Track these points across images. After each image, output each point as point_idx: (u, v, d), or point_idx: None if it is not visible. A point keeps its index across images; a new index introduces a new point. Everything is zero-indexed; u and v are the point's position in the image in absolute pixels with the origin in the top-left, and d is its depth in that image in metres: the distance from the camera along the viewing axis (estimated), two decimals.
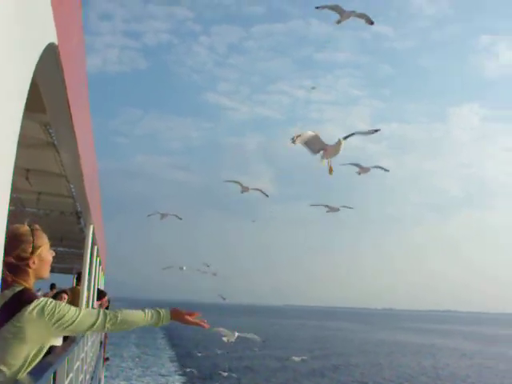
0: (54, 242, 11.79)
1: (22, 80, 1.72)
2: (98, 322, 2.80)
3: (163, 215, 16.81)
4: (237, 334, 18.29)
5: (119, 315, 2.90)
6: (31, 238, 2.88)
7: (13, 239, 2.78)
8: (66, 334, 2.87)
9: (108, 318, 2.85)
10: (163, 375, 34.50)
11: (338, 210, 15.88)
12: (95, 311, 2.88)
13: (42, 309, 2.67)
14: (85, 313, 2.82)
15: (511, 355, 57.16)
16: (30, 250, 2.85)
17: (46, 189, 7.05)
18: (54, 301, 2.76)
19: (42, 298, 2.74)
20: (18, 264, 2.78)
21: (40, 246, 2.91)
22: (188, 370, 36.20)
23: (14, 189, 6.74)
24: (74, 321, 2.72)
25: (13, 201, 7.44)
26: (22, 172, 5.93)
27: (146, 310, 3.02)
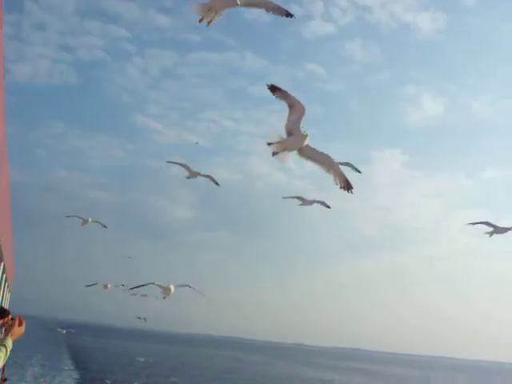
0: None
1: None
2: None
3: (85, 221, 15.68)
4: (173, 286, 16.55)
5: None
6: None
7: None
8: None
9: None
10: None
11: (311, 203, 15.73)
12: None
13: None
14: None
15: None
16: None
17: None
18: None
19: None
20: None
21: None
22: None
23: None
24: None
25: None
26: None
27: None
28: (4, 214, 6.44)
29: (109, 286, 22.08)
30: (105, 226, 15.29)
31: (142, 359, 48.17)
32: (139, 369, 57.17)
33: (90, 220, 14.72)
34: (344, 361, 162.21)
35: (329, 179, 8.08)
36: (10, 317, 12.12)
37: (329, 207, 15.04)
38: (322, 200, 15.24)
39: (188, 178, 13.64)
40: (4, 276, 9.49)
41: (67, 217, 16.17)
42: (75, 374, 46.77)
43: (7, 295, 14.78)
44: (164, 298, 15.47)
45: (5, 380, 16.44)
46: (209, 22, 8.36)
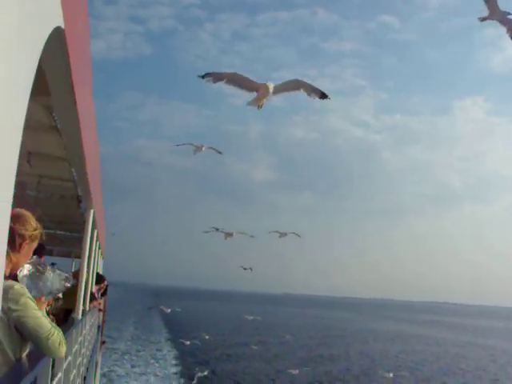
0: (54, 225, 11.83)
1: (29, 63, 1.72)
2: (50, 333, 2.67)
3: (198, 148, 14.64)
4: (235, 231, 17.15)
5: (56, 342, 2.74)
6: (35, 224, 2.88)
7: (21, 218, 2.80)
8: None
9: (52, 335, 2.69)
10: (159, 359, 34.77)
11: (285, 235, 17.35)
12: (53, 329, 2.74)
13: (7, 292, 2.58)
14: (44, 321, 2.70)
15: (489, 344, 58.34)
16: (30, 233, 2.83)
17: (48, 172, 7.03)
18: (24, 292, 2.69)
19: (12, 282, 2.69)
20: (13, 239, 2.72)
21: (38, 236, 2.90)
22: (184, 353, 36.54)
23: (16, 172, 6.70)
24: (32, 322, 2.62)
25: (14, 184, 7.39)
26: (24, 155, 5.92)
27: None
28: (96, 185, 6.83)
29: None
30: (220, 152, 14.66)
31: (250, 317, 49.70)
32: (250, 328, 59.31)
33: (203, 148, 14.17)
34: (431, 315, 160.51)
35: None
36: (106, 282, 12.87)
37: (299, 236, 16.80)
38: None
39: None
40: (97, 243, 10.03)
41: (177, 145, 15.43)
42: (167, 335, 49.19)
43: (101, 262, 15.61)
44: (225, 239, 16.73)
45: (104, 342, 17.53)
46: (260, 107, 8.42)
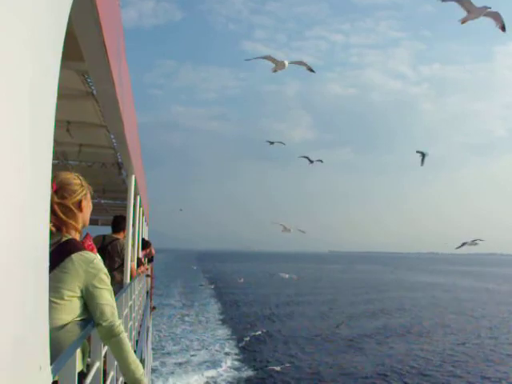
0: (98, 194, 12.01)
1: (58, 27, 1.65)
2: (110, 322, 2.70)
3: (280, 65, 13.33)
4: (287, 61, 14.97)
5: (123, 340, 2.76)
6: (82, 183, 2.93)
7: (66, 184, 2.84)
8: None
9: (117, 330, 2.73)
10: (207, 321, 35.57)
11: (289, 231, 17.19)
12: (116, 317, 2.78)
13: (86, 263, 2.68)
14: (112, 306, 2.76)
15: None
16: (83, 193, 2.89)
17: (87, 140, 7.09)
18: (101, 268, 2.75)
19: (90, 253, 2.76)
20: (71, 208, 2.80)
21: (88, 191, 2.97)
22: (231, 315, 37.32)
23: (55, 142, 6.78)
24: (100, 302, 2.68)
25: (55, 154, 7.50)
26: (63, 124, 5.95)
27: (142, 371, 2.88)
28: (135, 151, 6.84)
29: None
30: (312, 71, 12.83)
31: (286, 275, 50.88)
32: (287, 284, 60.50)
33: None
34: (474, 266, 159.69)
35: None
36: (152, 248, 13.06)
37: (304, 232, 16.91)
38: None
39: (275, 71, 12.16)
40: (141, 209, 10.14)
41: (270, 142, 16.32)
42: (213, 292, 50.68)
43: (145, 228, 15.85)
44: (275, 71, 13.69)
45: (154, 308, 17.94)
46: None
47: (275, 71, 11.79)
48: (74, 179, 2.91)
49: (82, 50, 3.16)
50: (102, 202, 13.79)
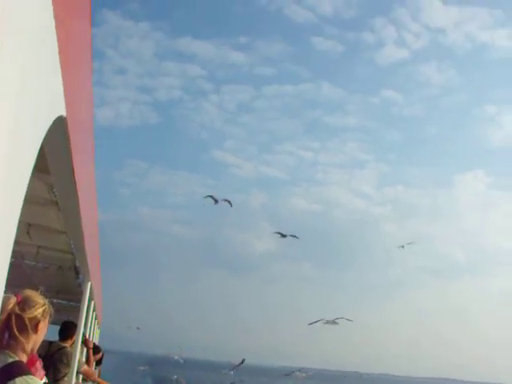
0: (51, 294, 11.67)
1: (31, 149, 1.83)
2: None
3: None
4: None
5: None
6: (46, 305, 2.93)
7: (28, 300, 2.82)
8: None
9: None
10: None
11: (336, 323, 16.26)
12: None
13: None
14: None
15: None
16: (43, 313, 2.87)
17: (46, 243, 7.08)
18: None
19: (34, 379, 2.69)
20: (27, 325, 2.74)
21: (48, 310, 2.94)
22: None
23: (15, 242, 6.74)
24: None
25: (13, 253, 7.42)
26: (24, 226, 5.99)
27: None
28: (94, 255, 6.88)
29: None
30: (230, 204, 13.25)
31: None
32: None
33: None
34: None
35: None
36: (102, 353, 12.64)
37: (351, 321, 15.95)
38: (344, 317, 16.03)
39: (215, 203, 12.96)
40: (94, 313, 9.97)
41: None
42: None
43: (97, 332, 15.40)
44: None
45: None
46: None
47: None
48: (40, 298, 2.92)
49: (50, 167, 3.33)
50: (55, 301, 13.45)
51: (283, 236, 16.25)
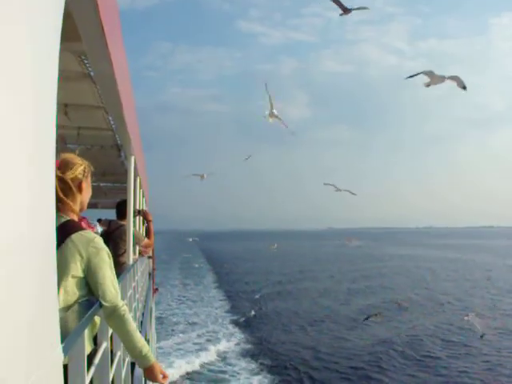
0: (97, 178, 11.95)
1: (56, 8, 1.63)
2: (113, 302, 2.70)
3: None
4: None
5: (127, 320, 2.79)
6: (83, 163, 2.95)
7: (67, 163, 2.86)
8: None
9: (120, 311, 2.75)
10: (207, 300, 35.89)
11: (340, 190, 16.87)
12: (119, 298, 2.78)
13: (87, 243, 2.66)
14: (114, 286, 2.74)
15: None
16: (83, 173, 2.91)
17: (86, 123, 7.04)
18: (102, 246, 2.74)
19: (89, 232, 2.76)
20: (70, 186, 2.80)
21: (89, 174, 2.98)
22: (231, 293, 37.72)
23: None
24: (100, 282, 2.67)
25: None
26: (61, 107, 5.90)
27: (148, 348, 2.92)
28: (134, 132, 6.81)
29: None
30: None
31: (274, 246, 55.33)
32: (284, 260, 62.06)
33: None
34: (470, 239, 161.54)
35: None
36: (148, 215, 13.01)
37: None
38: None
39: (428, 85, 11.71)
40: (141, 191, 10.14)
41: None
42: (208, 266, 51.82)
43: (146, 209, 15.82)
44: (428, 85, 14.31)
45: (156, 289, 17.99)
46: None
47: (428, 86, 11.27)
48: (78, 159, 2.95)
49: (79, 30, 3.12)
50: (102, 185, 13.74)
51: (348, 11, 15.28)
